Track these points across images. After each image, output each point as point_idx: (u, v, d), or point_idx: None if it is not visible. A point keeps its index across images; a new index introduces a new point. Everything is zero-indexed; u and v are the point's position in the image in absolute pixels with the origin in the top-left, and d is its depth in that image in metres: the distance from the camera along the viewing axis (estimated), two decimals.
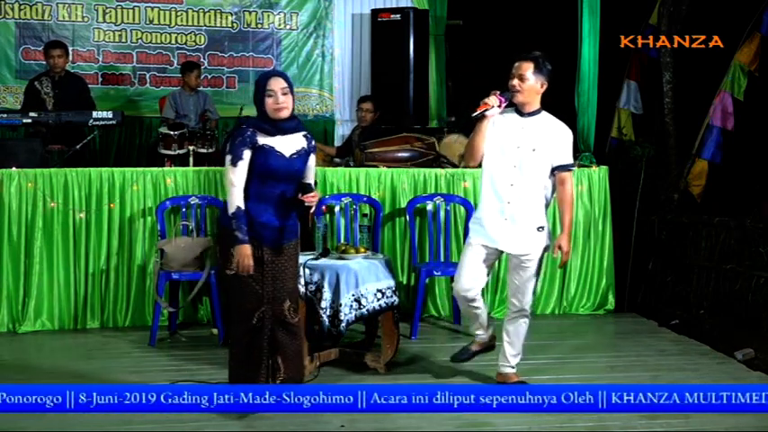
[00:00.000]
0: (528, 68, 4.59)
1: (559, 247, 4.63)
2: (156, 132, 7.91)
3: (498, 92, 4.56)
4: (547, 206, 4.73)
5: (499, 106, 4.55)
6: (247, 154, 4.20)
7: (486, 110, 4.52)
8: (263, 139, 4.24)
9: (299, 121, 4.40)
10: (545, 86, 4.64)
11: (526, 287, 4.70)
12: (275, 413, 4.21)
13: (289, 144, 4.29)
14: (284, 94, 4.23)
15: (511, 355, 4.81)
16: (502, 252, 4.73)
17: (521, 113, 4.62)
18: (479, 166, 4.74)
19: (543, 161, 4.61)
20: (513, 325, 4.78)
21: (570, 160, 4.70)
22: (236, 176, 4.19)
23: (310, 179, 4.43)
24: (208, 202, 6.14)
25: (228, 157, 4.21)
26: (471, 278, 4.68)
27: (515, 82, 4.58)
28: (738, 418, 4.21)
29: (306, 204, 4.27)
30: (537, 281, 4.78)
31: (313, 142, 4.45)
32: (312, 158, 4.43)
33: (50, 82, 7.58)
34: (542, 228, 4.66)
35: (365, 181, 6.47)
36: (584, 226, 6.71)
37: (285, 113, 4.25)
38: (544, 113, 4.67)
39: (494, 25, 9.63)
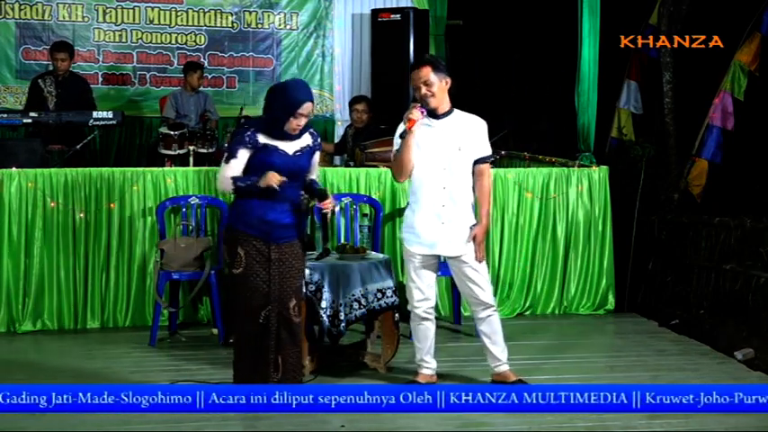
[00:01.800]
0: (428, 73, 4.58)
1: (474, 238, 4.64)
2: (156, 132, 7.92)
3: (419, 104, 4.53)
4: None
5: (422, 117, 4.52)
6: (243, 153, 4.25)
7: (413, 125, 4.50)
8: (264, 139, 4.27)
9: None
10: (449, 83, 4.65)
11: (480, 282, 4.70)
12: (275, 413, 4.21)
13: (293, 143, 4.32)
14: (307, 116, 4.28)
15: (498, 353, 4.80)
16: (439, 256, 4.73)
17: (435, 117, 4.62)
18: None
19: (468, 158, 4.65)
20: (486, 324, 4.77)
21: (489, 151, 4.73)
22: (226, 171, 4.25)
23: (313, 175, 4.48)
24: (208, 202, 6.14)
25: (225, 155, 4.31)
26: (423, 289, 4.73)
27: (424, 90, 4.58)
28: (738, 418, 4.21)
29: (324, 211, 4.37)
30: (486, 272, 4.77)
31: (319, 140, 4.48)
32: (317, 155, 4.48)
33: (54, 81, 7.60)
34: (474, 225, 4.69)
35: (365, 181, 6.47)
36: (584, 226, 6.71)
37: (298, 132, 4.31)
38: (456, 111, 4.69)
39: (494, 25, 9.65)
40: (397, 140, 4.68)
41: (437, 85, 4.57)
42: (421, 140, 4.58)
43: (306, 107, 4.24)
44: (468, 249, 4.66)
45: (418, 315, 4.77)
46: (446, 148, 4.59)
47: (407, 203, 4.89)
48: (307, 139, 4.38)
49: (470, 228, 4.65)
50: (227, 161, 4.28)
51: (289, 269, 4.36)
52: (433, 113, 4.61)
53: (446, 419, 4.25)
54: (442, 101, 4.62)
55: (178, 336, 5.95)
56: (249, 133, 4.27)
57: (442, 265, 6.15)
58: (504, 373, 4.81)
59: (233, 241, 4.33)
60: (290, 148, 4.30)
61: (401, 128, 4.62)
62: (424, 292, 4.74)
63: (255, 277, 4.29)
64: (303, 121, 4.27)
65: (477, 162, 4.67)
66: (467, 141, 4.63)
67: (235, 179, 4.25)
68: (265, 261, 4.30)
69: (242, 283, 4.32)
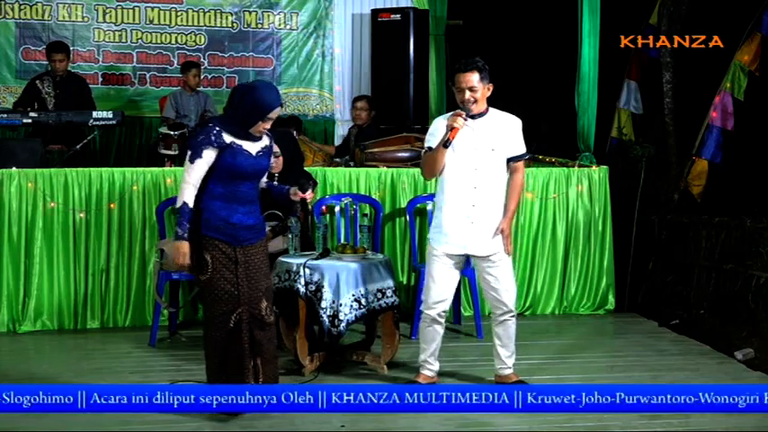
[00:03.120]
0: (474, 78, 4.59)
1: (501, 231, 4.65)
2: (156, 132, 7.92)
3: (462, 112, 4.54)
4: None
5: (464, 126, 4.54)
6: (208, 153, 4.15)
7: (456, 134, 4.52)
8: (230, 138, 4.20)
9: None
10: (491, 89, 4.67)
11: (505, 284, 4.70)
12: (275, 413, 4.21)
13: (254, 143, 4.28)
14: (273, 120, 4.27)
15: (506, 357, 4.81)
16: (467, 257, 4.73)
17: (471, 117, 4.62)
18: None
19: (502, 158, 4.66)
20: (502, 327, 4.77)
21: (523, 149, 4.75)
22: (192, 174, 4.15)
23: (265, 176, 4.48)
24: None
25: (188, 153, 4.17)
26: (443, 290, 4.71)
27: (468, 95, 4.59)
28: (738, 418, 4.21)
29: (307, 202, 4.32)
30: (512, 275, 4.78)
31: (272, 141, 4.47)
32: (271, 157, 4.47)
33: (52, 82, 7.60)
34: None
35: (365, 181, 6.47)
36: (584, 226, 6.71)
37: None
38: (491, 111, 4.71)
39: (494, 25, 9.65)
40: (429, 137, 4.70)
41: (480, 92, 4.60)
42: (454, 140, 4.57)
43: (276, 112, 4.21)
44: (497, 248, 4.65)
45: (430, 316, 4.74)
46: (479, 149, 4.60)
47: (434, 204, 4.88)
48: (265, 140, 4.35)
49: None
50: (191, 160, 4.13)
51: (256, 271, 4.31)
52: (468, 115, 4.61)
53: (446, 419, 4.25)
54: (482, 106, 4.65)
55: (178, 336, 5.95)
56: (215, 132, 4.16)
57: None
58: (507, 375, 4.83)
59: (199, 247, 4.24)
60: (252, 148, 4.26)
61: (437, 124, 4.65)
62: (442, 294, 4.72)
63: (224, 282, 4.23)
64: (269, 125, 4.26)
65: (511, 160, 4.69)
66: (501, 141, 4.64)
67: (183, 209, 4.14)
68: (232, 264, 4.24)
69: (210, 288, 4.25)
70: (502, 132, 4.66)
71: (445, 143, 4.52)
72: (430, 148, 4.67)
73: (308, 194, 4.41)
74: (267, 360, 4.37)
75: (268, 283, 4.41)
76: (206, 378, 4.42)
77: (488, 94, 4.66)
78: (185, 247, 4.17)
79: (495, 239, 4.65)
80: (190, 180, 4.16)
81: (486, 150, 4.61)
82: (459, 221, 4.64)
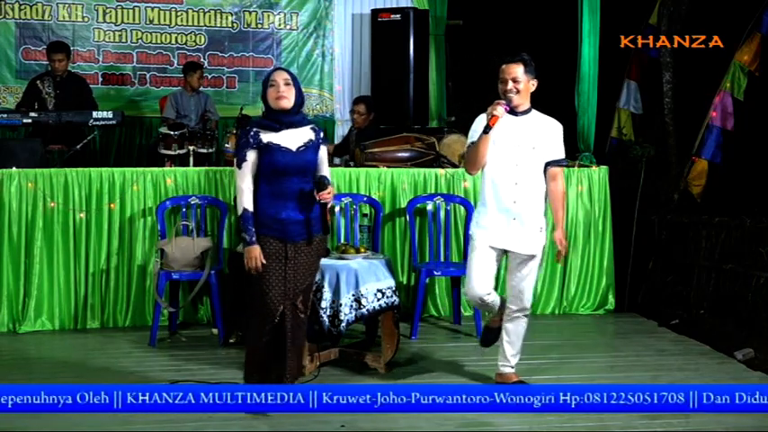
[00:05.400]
0: (519, 70, 4.60)
1: (559, 242, 4.67)
2: (156, 132, 7.91)
3: (503, 101, 4.56)
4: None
5: (504, 115, 4.56)
6: (251, 155, 4.27)
7: (496, 122, 4.53)
8: (267, 137, 4.27)
9: (305, 115, 4.43)
10: (536, 85, 4.68)
11: (531, 284, 4.73)
12: (275, 413, 4.21)
13: (295, 138, 4.31)
14: (286, 84, 4.27)
15: (510, 355, 4.82)
16: (505, 252, 4.73)
17: (515, 113, 4.63)
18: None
19: (541, 158, 4.67)
20: (513, 324, 4.78)
21: (563, 155, 4.75)
22: (241, 178, 4.28)
23: (324, 171, 4.45)
24: (208, 202, 6.14)
25: (235, 160, 4.33)
26: (484, 280, 4.68)
27: (510, 86, 4.60)
28: (738, 418, 4.21)
29: (322, 202, 4.29)
30: (537, 276, 4.80)
31: (322, 134, 4.46)
32: (323, 150, 4.45)
33: (52, 82, 7.60)
34: (542, 228, 4.70)
35: (365, 181, 6.47)
36: (584, 226, 6.72)
37: (286, 103, 4.27)
38: (534, 111, 4.72)
39: (494, 25, 9.63)
40: (472, 132, 4.70)
41: (524, 84, 4.61)
42: (497, 136, 4.58)
43: (275, 74, 4.28)
44: (537, 249, 4.66)
45: (474, 298, 4.70)
46: (521, 146, 4.61)
47: (478, 201, 4.87)
48: (309, 134, 4.38)
49: (539, 230, 4.66)
50: (239, 166, 4.29)
51: (303, 265, 4.36)
52: (512, 110, 4.62)
53: (446, 419, 4.25)
54: (524, 100, 4.65)
55: (178, 336, 5.95)
56: (252, 133, 4.29)
57: (440, 265, 6.20)
58: (508, 374, 4.83)
59: None
60: (292, 143, 4.30)
61: (479, 120, 4.65)
62: (482, 284, 4.64)
63: (274, 276, 4.30)
64: (283, 89, 4.26)
65: (549, 164, 4.68)
66: (541, 142, 4.65)
67: (245, 215, 4.26)
68: (283, 259, 4.32)
69: (260, 282, 4.32)
70: (543, 133, 4.67)
71: (485, 129, 4.53)
72: (473, 143, 4.67)
73: (324, 194, 4.28)
74: (296, 354, 4.45)
75: (310, 281, 4.45)
76: (243, 375, 4.47)
77: (532, 89, 4.66)
78: (254, 251, 4.25)
79: (536, 240, 4.65)
80: (242, 185, 4.28)
81: (528, 147, 4.62)
82: (500, 217, 4.64)
